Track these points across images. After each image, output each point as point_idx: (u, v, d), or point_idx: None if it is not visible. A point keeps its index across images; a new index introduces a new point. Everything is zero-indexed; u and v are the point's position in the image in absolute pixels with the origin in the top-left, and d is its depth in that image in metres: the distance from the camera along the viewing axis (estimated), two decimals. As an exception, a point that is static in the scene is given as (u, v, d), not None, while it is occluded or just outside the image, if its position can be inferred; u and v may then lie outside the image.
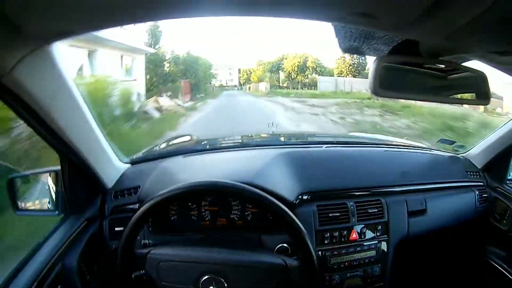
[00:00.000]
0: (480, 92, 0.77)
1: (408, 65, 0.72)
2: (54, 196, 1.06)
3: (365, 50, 0.76)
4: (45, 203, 1.08)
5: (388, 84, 0.73)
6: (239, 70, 43.82)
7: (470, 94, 0.80)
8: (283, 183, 1.09)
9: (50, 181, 1.06)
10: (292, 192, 1.08)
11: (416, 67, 0.73)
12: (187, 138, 1.87)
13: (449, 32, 0.55)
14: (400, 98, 0.78)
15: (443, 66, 0.74)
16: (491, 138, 1.47)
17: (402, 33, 0.62)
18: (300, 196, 1.10)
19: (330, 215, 1.11)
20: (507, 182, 1.47)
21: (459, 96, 0.83)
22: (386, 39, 0.69)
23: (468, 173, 1.48)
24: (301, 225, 0.83)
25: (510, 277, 1.30)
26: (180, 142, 1.78)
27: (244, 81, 43.12)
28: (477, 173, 1.50)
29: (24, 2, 0.46)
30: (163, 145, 1.74)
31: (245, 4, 0.53)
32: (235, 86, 43.15)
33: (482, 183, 1.47)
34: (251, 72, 44.46)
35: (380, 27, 0.60)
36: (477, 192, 1.42)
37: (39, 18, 0.53)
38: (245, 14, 0.58)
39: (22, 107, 0.73)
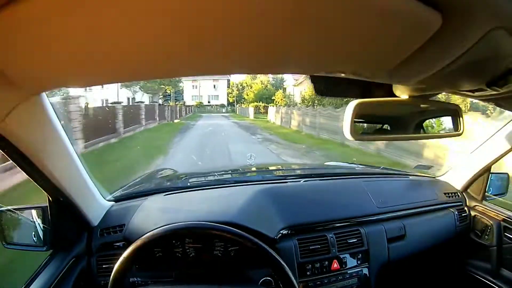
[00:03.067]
0: (455, 124, 0.80)
1: (383, 106, 0.74)
2: (42, 232, 1.06)
3: (339, 93, 0.77)
4: (34, 238, 1.07)
5: (364, 127, 0.75)
6: (228, 82, 40.66)
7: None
8: (263, 220, 1.11)
9: (38, 217, 1.06)
10: (272, 228, 1.09)
11: (391, 108, 0.76)
12: (167, 172, 1.90)
13: (422, 78, 0.57)
14: (376, 140, 0.80)
15: (417, 103, 0.75)
16: (467, 159, 1.51)
17: (377, 80, 0.63)
18: (280, 232, 1.11)
19: (310, 247, 1.13)
20: (487, 199, 1.51)
21: (434, 130, 0.86)
22: (360, 82, 0.72)
23: (446, 195, 1.51)
24: (281, 260, 0.84)
25: (496, 287, 1.35)
26: (161, 177, 1.80)
27: (234, 99, 40.21)
28: (456, 194, 1.53)
29: (18, 57, 0.47)
30: (144, 181, 1.74)
31: (234, 64, 0.55)
32: (222, 106, 39.54)
33: (460, 203, 1.51)
34: (243, 87, 41.23)
35: (357, 76, 0.61)
36: (456, 213, 1.46)
37: (33, 71, 0.54)
38: (231, 72, 0.60)
39: (13, 151, 0.75)
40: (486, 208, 1.48)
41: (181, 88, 37.15)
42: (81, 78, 0.59)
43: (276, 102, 30.66)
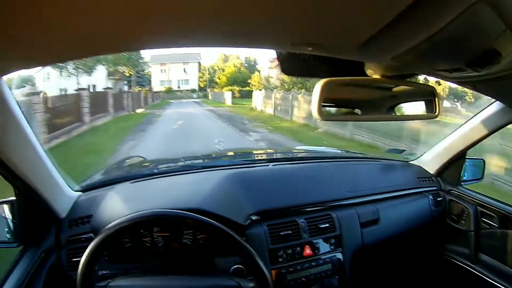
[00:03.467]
0: (431, 106, 0.77)
1: (353, 86, 0.71)
2: (12, 227, 1.03)
3: (308, 72, 0.73)
4: (4, 235, 1.04)
5: (334, 106, 0.71)
6: (199, 65, 38.59)
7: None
8: (232, 206, 1.08)
9: (7, 212, 1.03)
10: (241, 214, 1.07)
11: (362, 87, 0.72)
12: (135, 160, 1.84)
13: (395, 54, 0.53)
14: (346, 120, 0.76)
15: (390, 84, 0.73)
16: (442, 144, 1.50)
17: (346, 56, 0.59)
18: (249, 217, 1.09)
19: (281, 233, 1.11)
20: (462, 184, 1.51)
21: (408, 112, 0.84)
22: (329, 61, 0.67)
23: (420, 179, 1.51)
24: (249, 247, 0.82)
25: (474, 271, 1.35)
26: (129, 165, 1.76)
27: (205, 83, 38.30)
28: (430, 179, 1.53)
29: None
30: (112, 169, 1.71)
31: (197, 36, 0.52)
32: (193, 91, 37.29)
33: (435, 188, 1.51)
34: (214, 71, 39.77)
35: (325, 52, 0.59)
36: (430, 197, 1.46)
37: None
38: (195, 45, 0.56)
39: None
40: (461, 193, 1.48)
41: (145, 72, 34.32)
42: (37, 58, 0.57)
43: (252, 85, 29.75)
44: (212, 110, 18.75)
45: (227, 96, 26.41)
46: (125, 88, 26.57)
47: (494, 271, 1.31)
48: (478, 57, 0.53)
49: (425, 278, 1.55)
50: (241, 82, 34.21)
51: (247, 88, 30.46)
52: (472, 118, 1.33)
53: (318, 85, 0.65)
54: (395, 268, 1.52)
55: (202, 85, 39.28)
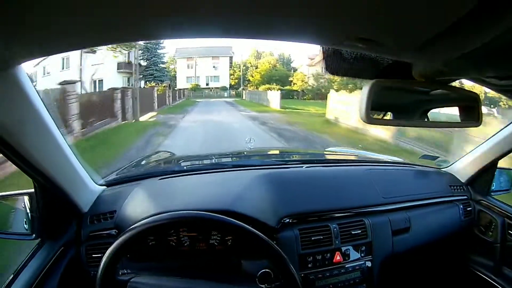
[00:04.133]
0: (472, 114, 0.74)
1: (400, 89, 0.69)
2: (29, 220, 1.02)
3: (352, 72, 0.71)
4: (21, 226, 1.04)
5: (380, 110, 0.70)
6: (231, 60, 35.11)
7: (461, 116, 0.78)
8: (264, 208, 1.06)
9: (26, 203, 1.02)
10: (273, 216, 1.05)
11: (407, 91, 0.70)
12: (163, 155, 1.84)
13: (449, 59, 0.52)
14: (391, 125, 0.74)
15: (436, 88, 0.70)
16: (474, 152, 1.47)
17: (399, 57, 0.58)
18: (281, 221, 1.07)
19: (312, 238, 1.09)
20: (491, 194, 1.48)
21: (450, 119, 0.81)
22: (375, 61, 0.66)
23: (452, 187, 1.48)
24: (281, 252, 0.80)
25: (496, 285, 1.33)
26: (156, 161, 1.75)
27: (236, 81, 35.18)
28: (461, 187, 1.49)
29: None
30: (139, 164, 1.70)
31: (245, 28, 0.51)
32: (224, 88, 33.83)
33: (466, 197, 1.47)
34: (247, 68, 36.07)
35: (377, 51, 0.57)
36: (461, 206, 1.43)
37: (1, 43, 0.50)
38: (243, 36, 0.54)
39: None
40: (490, 204, 1.44)
41: (166, 65, 29.72)
42: (52, 46, 0.56)
43: (294, 84, 27.91)
44: (257, 117, 13.13)
45: (273, 96, 19.62)
46: (142, 85, 23.33)
47: None
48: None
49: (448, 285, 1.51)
50: (277, 80, 30.81)
51: (288, 87, 28.10)
52: (506, 126, 1.29)
53: (366, 86, 0.62)
54: (421, 278, 1.49)
55: (233, 83, 35.94)
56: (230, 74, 36.39)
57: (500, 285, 1.32)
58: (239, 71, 36.76)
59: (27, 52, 0.59)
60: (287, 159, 1.68)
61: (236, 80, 36.58)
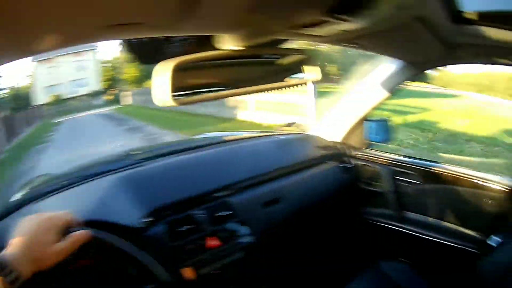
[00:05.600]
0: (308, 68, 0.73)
1: (205, 63, 0.63)
2: None
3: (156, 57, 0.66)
4: None
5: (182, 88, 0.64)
6: (95, 57, 29.86)
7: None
8: (124, 211, 1.02)
9: None
10: (135, 217, 1.00)
11: (215, 64, 0.64)
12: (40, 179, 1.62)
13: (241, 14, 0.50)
14: (198, 101, 0.68)
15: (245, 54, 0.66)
16: (337, 109, 1.48)
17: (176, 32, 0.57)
18: (144, 219, 1.01)
19: (182, 229, 1.04)
20: (369, 146, 1.50)
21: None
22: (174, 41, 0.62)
23: (321, 148, 1.48)
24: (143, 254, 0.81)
25: (402, 230, 1.37)
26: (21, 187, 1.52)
27: (109, 82, 30.93)
28: (331, 147, 1.50)
29: None
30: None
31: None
32: (96, 94, 29.03)
33: (339, 155, 1.48)
34: (114, 68, 31.70)
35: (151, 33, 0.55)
36: (339, 164, 1.43)
37: None
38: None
39: None
40: (370, 156, 1.45)
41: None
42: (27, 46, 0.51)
43: None
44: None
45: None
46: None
47: (421, 225, 1.34)
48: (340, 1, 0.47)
49: (349, 244, 1.53)
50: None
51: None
52: (364, 79, 1.31)
53: (167, 68, 0.57)
54: (313, 242, 1.48)
55: (105, 86, 30.67)
56: (102, 74, 30.73)
57: (405, 229, 1.37)
58: (111, 69, 31.51)
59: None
60: (144, 156, 1.54)
61: (109, 82, 31.44)
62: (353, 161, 1.47)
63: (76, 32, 0.51)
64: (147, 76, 23.76)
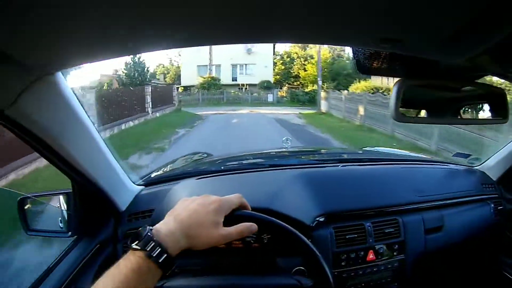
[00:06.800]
0: (499, 110, 0.76)
1: (429, 87, 0.72)
2: (66, 218, 1.07)
3: (383, 71, 0.76)
4: (57, 224, 1.08)
5: (409, 108, 0.74)
6: (274, 46, 23.86)
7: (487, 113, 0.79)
8: (299, 207, 1.08)
9: (62, 202, 1.06)
10: (308, 215, 1.07)
11: (437, 88, 0.73)
12: (200, 156, 1.89)
13: (472, 55, 0.54)
14: (421, 123, 0.78)
15: (460, 86, 0.73)
16: (505, 149, 1.45)
17: (425, 54, 0.61)
18: (316, 219, 1.09)
19: (347, 236, 1.10)
20: None
21: (477, 116, 0.82)
22: (405, 59, 0.69)
23: (484, 186, 1.46)
24: (315, 249, 0.80)
25: None
26: (194, 161, 1.79)
27: (277, 77, 26.18)
28: (492, 186, 1.47)
29: (23, 40, 0.47)
30: (176, 164, 1.74)
31: (274, 31, 0.53)
32: (266, 87, 22.81)
33: (497, 195, 1.45)
34: (292, 60, 27.33)
35: (403, 50, 0.59)
36: (492, 205, 1.41)
37: (39, 53, 0.53)
38: (272, 40, 0.59)
39: (28, 136, 0.73)
40: None
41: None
42: (87, 55, 0.60)
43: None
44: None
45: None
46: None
47: None
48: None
49: None
50: (347, 75, 21.91)
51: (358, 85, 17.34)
52: None
53: (395, 85, 0.66)
54: (453, 278, 1.48)
55: (274, 80, 25.18)
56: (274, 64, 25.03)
57: None
58: (281, 64, 27.01)
59: (64, 61, 0.63)
60: (323, 158, 1.69)
61: (277, 77, 26.42)
62: (507, 205, 1.44)
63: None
64: (328, 78, 21.40)
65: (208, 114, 15.38)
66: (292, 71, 26.99)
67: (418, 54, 0.61)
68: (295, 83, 25.96)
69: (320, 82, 18.68)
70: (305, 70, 24.72)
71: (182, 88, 21.76)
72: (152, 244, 0.56)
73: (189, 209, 0.65)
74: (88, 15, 0.41)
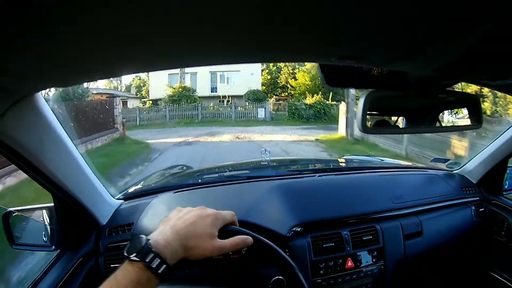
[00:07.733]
0: (473, 116, 0.77)
1: (398, 98, 0.72)
2: (49, 232, 1.08)
3: (351, 84, 0.74)
4: (41, 238, 1.10)
5: (377, 120, 0.73)
6: None
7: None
8: (275, 218, 1.10)
9: (45, 217, 1.08)
10: (284, 226, 1.08)
11: (406, 99, 0.73)
12: (180, 168, 1.90)
13: (440, 65, 0.53)
14: (390, 133, 0.77)
15: (434, 95, 0.72)
16: (484, 153, 1.47)
17: (391, 67, 0.60)
18: (293, 229, 1.10)
19: (324, 245, 1.12)
20: (503, 193, 1.49)
21: (450, 123, 0.82)
22: (373, 71, 0.69)
23: (463, 189, 1.48)
24: (289, 260, 0.79)
25: None
26: (172, 174, 1.80)
27: (264, 88, 22.86)
28: (473, 188, 1.50)
29: (9, 62, 0.47)
30: (155, 178, 1.76)
31: (237, 54, 0.53)
32: (256, 99, 17.92)
33: (478, 198, 1.48)
34: (279, 70, 24.57)
35: (370, 64, 0.59)
36: (473, 207, 1.43)
37: (19, 76, 0.54)
38: (236, 61, 0.58)
39: (10, 153, 0.75)
40: (503, 204, 1.44)
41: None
42: (66, 78, 0.61)
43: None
44: None
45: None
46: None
47: None
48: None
49: None
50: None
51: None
52: None
53: (363, 97, 0.66)
54: (436, 281, 1.50)
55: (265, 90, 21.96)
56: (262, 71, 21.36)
57: None
58: (267, 73, 24.10)
59: (45, 84, 0.65)
60: (300, 169, 1.70)
61: (263, 88, 22.68)
62: (488, 206, 1.47)
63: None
64: (312, 91, 18.70)
65: (168, 143, 10.19)
66: (279, 81, 24.86)
67: (385, 67, 0.61)
68: (282, 94, 23.69)
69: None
70: (295, 79, 22.20)
71: (150, 102, 18.27)
72: (152, 255, 0.56)
73: (185, 220, 0.66)
74: (63, 37, 0.41)
